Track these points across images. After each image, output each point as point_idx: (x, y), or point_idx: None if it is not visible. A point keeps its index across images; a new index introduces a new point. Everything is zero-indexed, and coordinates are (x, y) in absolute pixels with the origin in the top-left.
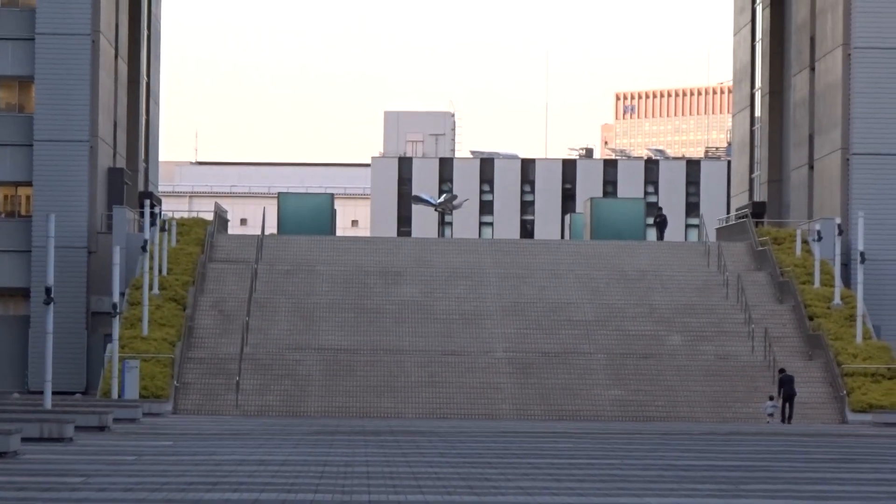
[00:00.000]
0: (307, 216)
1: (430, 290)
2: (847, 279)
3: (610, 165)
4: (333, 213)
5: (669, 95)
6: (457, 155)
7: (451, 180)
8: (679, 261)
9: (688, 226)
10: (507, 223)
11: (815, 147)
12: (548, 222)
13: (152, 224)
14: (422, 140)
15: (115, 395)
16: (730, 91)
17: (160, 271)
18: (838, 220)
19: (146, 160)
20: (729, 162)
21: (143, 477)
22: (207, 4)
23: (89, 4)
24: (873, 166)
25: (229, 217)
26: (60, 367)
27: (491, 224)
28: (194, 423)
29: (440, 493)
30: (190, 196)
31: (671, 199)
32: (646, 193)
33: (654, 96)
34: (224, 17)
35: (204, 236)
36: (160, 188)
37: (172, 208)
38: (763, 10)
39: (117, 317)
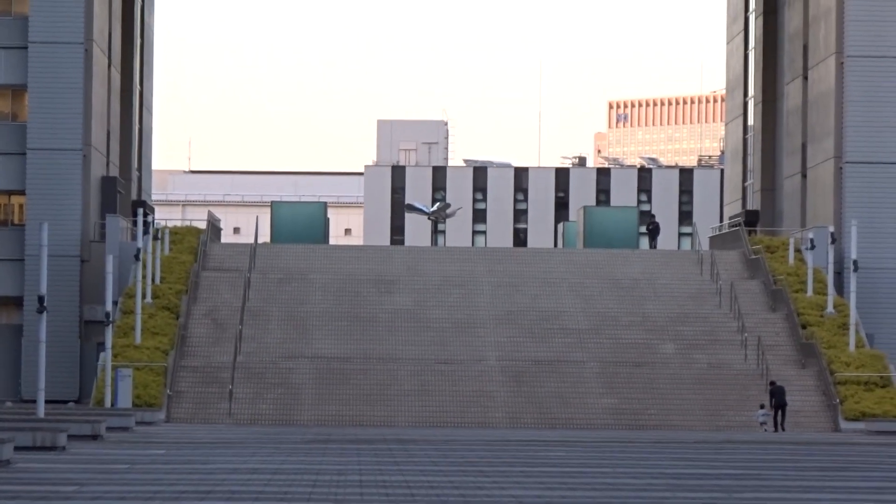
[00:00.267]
0: (300, 225)
1: (423, 298)
2: (840, 287)
3: (603, 174)
4: (326, 221)
5: (662, 104)
6: (450, 163)
7: (444, 189)
8: (672, 269)
9: (681, 234)
10: (500, 231)
11: (808, 155)
12: (541, 231)
13: (145, 233)
14: (415, 148)
15: (108, 403)
16: (723, 99)
17: (153, 280)
18: (831, 229)
19: (139, 169)
20: (722, 170)
21: (135, 485)
22: (201, 13)
23: (82, 13)
24: (866, 175)
25: (222, 226)
26: (53, 375)
27: (484, 232)
28: (187, 432)
29: (433, 501)
30: (183, 205)
31: (664, 207)
32: (639, 202)
33: (648, 105)
34: (217, 26)
35: (197, 245)
36: (153, 197)
37: (165, 217)
38: (756, 18)
39: (110, 325)
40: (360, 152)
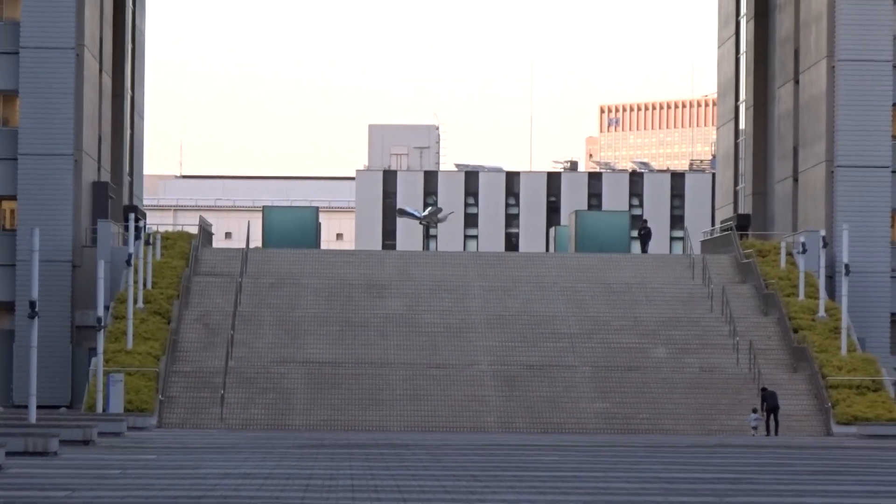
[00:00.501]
0: (292, 229)
1: (414, 303)
2: (832, 291)
3: (594, 178)
4: (318, 226)
5: (654, 108)
6: (441, 168)
7: (435, 193)
8: (664, 273)
9: (672, 238)
10: (491, 236)
11: (799, 159)
12: (532, 235)
13: (137, 238)
14: (406, 153)
15: (99, 408)
16: (714, 104)
17: (145, 285)
18: (823, 233)
19: (131, 174)
20: (713, 174)
21: (127, 491)
22: (192, 18)
23: (73, 18)
24: (858, 178)
25: (214, 231)
26: (45, 380)
27: (476, 237)
28: (179, 437)
29: None
30: (174, 210)
31: (656, 211)
32: (630, 206)
33: (639, 109)
34: (209, 32)
35: (188, 250)
36: (145, 202)
37: (157, 222)
38: (747, 22)
39: (102, 330)
40: (351, 157)
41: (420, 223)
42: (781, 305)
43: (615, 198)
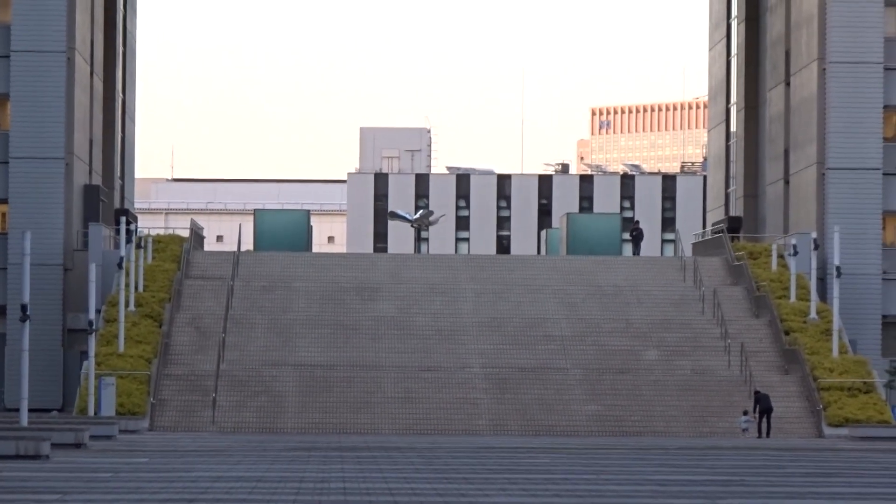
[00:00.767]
0: (283, 233)
1: (406, 305)
2: (823, 293)
3: (586, 181)
4: (309, 229)
5: (645, 111)
6: (433, 171)
7: (427, 196)
8: (655, 276)
9: (664, 241)
10: (483, 239)
11: (790, 162)
12: (524, 238)
13: (128, 241)
14: (398, 156)
15: (91, 412)
16: (705, 106)
17: (136, 288)
18: (814, 235)
19: (122, 177)
20: (705, 177)
21: (119, 494)
22: (183, 22)
23: (64, 21)
24: (849, 181)
25: (205, 234)
26: (36, 384)
27: (467, 240)
28: (171, 440)
29: None
30: (166, 213)
31: (647, 214)
32: (622, 209)
33: (630, 111)
34: (200, 35)
35: (180, 253)
36: (136, 205)
37: (148, 225)
38: (738, 25)
39: (93, 334)
40: (342, 160)
41: (411, 226)
42: (773, 307)
43: (606, 200)
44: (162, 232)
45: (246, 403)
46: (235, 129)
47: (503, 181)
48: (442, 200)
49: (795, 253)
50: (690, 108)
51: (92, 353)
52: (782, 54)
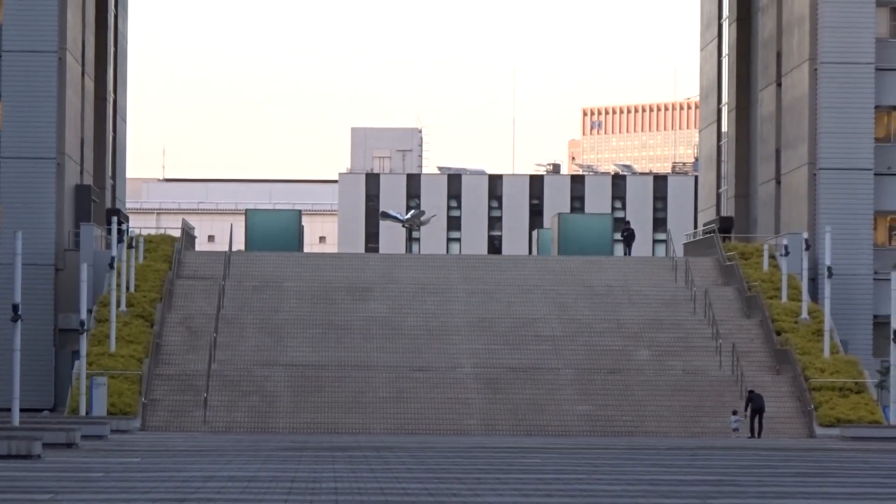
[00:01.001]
0: (275, 233)
1: (397, 305)
2: (814, 294)
3: (577, 181)
4: (301, 229)
5: (636, 111)
6: (424, 171)
7: (418, 196)
8: (646, 276)
9: (655, 241)
10: (474, 239)
11: (782, 162)
12: (515, 238)
13: (119, 241)
14: (389, 156)
15: (82, 412)
16: (697, 106)
17: (127, 288)
18: (805, 235)
19: (113, 177)
20: (696, 177)
21: (111, 494)
22: (174, 21)
23: (56, 21)
24: (840, 181)
25: (197, 234)
26: (28, 384)
27: (458, 240)
28: (162, 440)
29: None
30: (157, 213)
31: (638, 214)
32: (613, 209)
33: (621, 112)
34: (191, 35)
35: (171, 253)
36: (127, 205)
37: (140, 225)
38: (730, 25)
39: (85, 334)
40: (334, 160)
41: (403, 226)
42: (764, 308)
43: (598, 200)
44: (153, 232)
45: (237, 403)
46: (227, 129)
47: (494, 181)
48: (433, 200)
49: (787, 253)
50: (682, 108)
51: (83, 352)
52: (774, 54)
